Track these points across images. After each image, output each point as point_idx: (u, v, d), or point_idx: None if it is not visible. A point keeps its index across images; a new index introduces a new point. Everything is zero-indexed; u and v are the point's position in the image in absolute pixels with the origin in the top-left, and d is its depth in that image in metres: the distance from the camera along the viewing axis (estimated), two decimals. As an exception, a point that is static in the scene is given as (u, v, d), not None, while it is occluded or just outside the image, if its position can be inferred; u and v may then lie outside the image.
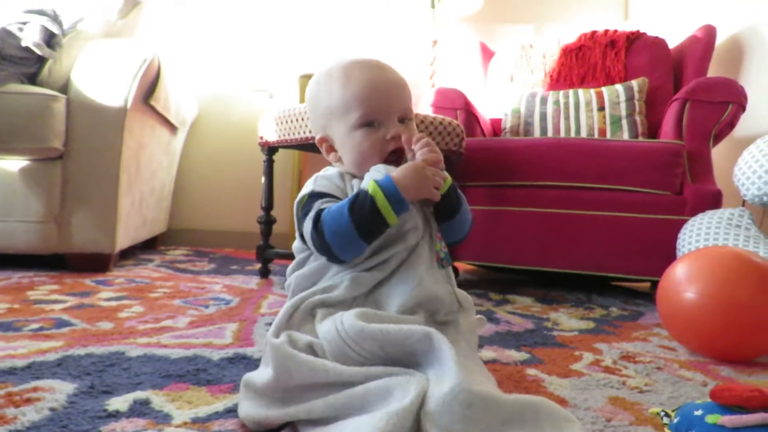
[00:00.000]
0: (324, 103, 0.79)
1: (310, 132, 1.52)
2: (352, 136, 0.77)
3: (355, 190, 0.73)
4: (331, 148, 0.82)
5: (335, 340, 0.62)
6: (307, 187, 0.79)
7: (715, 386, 0.62)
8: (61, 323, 1.06)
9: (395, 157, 0.78)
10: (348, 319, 0.63)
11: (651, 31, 2.26)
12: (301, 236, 0.76)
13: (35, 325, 1.03)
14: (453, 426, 0.50)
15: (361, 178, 0.77)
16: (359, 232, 0.68)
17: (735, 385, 0.61)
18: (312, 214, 0.72)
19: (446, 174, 0.78)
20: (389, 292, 0.70)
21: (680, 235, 1.55)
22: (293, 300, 0.71)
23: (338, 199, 0.75)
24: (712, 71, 2.11)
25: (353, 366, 0.60)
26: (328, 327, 0.63)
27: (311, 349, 0.63)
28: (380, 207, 0.67)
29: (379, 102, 0.76)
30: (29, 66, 1.69)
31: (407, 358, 0.61)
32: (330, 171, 0.81)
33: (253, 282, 1.69)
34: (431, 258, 0.74)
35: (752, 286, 1.00)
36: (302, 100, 2.34)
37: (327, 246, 0.70)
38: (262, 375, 0.64)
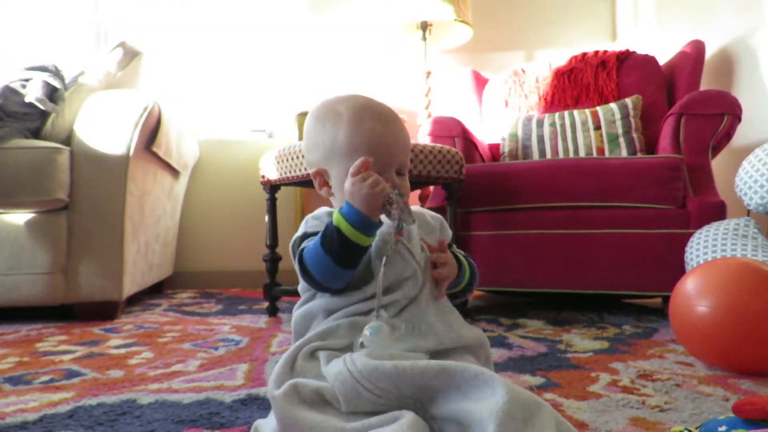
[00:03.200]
0: (329, 142, 0.78)
1: (311, 168, 1.53)
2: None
3: None
4: (325, 183, 0.83)
5: (348, 381, 0.60)
6: (300, 230, 0.82)
7: (737, 400, 0.61)
8: (72, 374, 1.05)
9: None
10: (359, 358, 0.63)
11: (640, 50, 2.29)
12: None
13: (45, 377, 1.03)
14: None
15: None
16: (336, 262, 0.70)
17: (757, 398, 0.60)
18: (296, 255, 0.76)
19: (468, 271, 0.83)
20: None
21: (687, 249, 1.55)
22: (291, 349, 0.71)
23: None
24: (704, 84, 2.14)
25: (365, 405, 0.59)
26: (339, 368, 0.63)
27: (320, 395, 0.62)
28: (347, 234, 0.69)
29: (383, 156, 0.75)
30: (33, 121, 1.72)
31: (421, 394, 0.60)
32: (320, 211, 0.83)
33: (262, 321, 1.68)
34: (433, 306, 0.75)
35: (764, 296, 0.99)
36: (301, 138, 2.37)
37: (317, 282, 0.74)
38: (269, 424, 0.64)
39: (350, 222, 0.69)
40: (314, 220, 0.81)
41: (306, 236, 0.79)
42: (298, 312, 0.80)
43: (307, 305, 0.79)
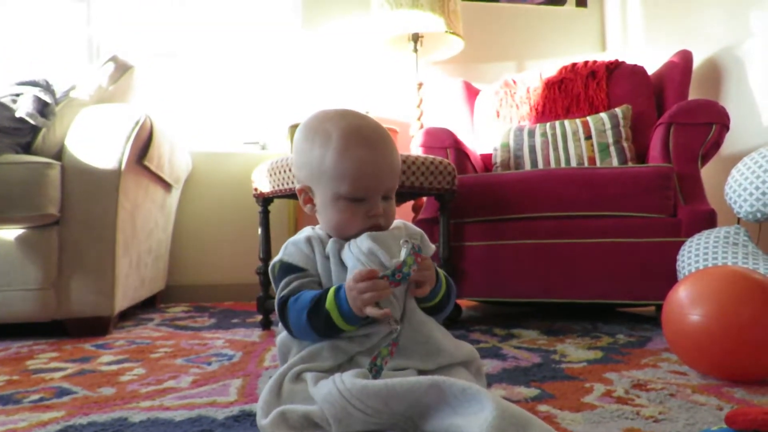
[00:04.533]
0: (316, 163, 0.79)
1: (303, 181, 1.53)
2: (335, 203, 0.78)
3: (328, 252, 0.78)
4: (310, 200, 0.84)
5: (337, 401, 0.61)
6: (279, 254, 0.82)
7: (730, 411, 0.61)
8: (62, 392, 1.04)
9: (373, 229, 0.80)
10: (349, 378, 0.63)
11: (629, 60, 2.32)
12: None
13: (35, 396, 1.01)
14: None
15: (335, 238, 0.80)
16: (317, 334, 0.73)
17: (750, 408, 0.60)
18: (278, 300, 0.78)
19: (444, 284, 0.83)
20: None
21: (679, 257, 1.55)
22: (276, 375, 0.71)
23: (305, 271, 0.79)
24: (693, 94, 2.16)
25: (356, 425, 0.59)
26: (328, 389, 0.63)
27: (308, 420, 0.62)
28: (335, 321, 0.71)
29: (369, 183, 0.77)
30: (23, 136, 1.71)
31: (412, 411, 0.60)
32: (300, 236, 0.83)
33: (255, 335, 1.67)
34: (422, 327, 0.75)
35: (756, 304, 0.99)
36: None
37: (291, 331, 0.76)
38: None
39: (341, 313, 0.71)
40: (293, 247, 0.81)
41: (283, 266, 0.80)
42: (280, 337, 0.81)
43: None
